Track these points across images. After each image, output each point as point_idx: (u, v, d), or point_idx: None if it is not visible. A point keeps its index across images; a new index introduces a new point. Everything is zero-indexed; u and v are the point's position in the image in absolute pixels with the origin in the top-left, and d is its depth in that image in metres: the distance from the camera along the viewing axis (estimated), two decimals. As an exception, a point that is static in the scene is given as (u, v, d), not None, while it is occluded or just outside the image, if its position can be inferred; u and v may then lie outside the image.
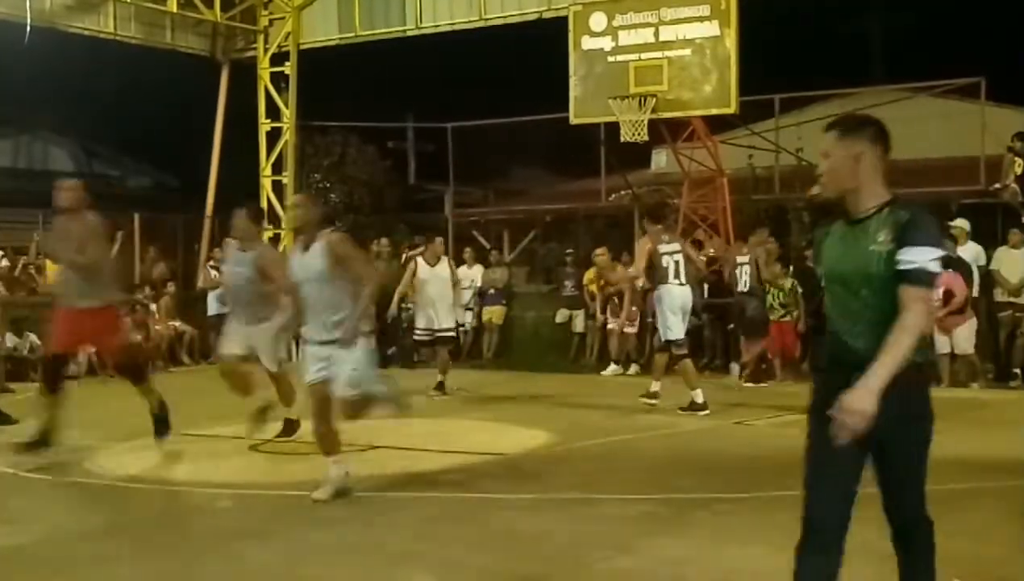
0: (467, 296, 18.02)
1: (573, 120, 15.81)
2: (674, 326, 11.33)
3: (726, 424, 10.60)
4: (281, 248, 19.65)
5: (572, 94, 15.68)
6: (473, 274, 18.09)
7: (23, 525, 6.79)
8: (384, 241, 17.18)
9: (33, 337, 15.39)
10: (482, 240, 20.61)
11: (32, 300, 16.63)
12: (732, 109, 14.98)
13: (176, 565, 5.93)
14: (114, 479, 8.26)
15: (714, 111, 15.16)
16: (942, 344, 13.37)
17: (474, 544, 6.19)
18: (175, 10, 18.20)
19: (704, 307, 15.74)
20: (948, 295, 13.17)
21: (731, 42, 14.68)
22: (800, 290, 14.27)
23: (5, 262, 15.90)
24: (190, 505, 7.42)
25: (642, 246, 11.65)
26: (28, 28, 16.16)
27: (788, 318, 14.46)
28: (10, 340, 14.87)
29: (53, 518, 7.06)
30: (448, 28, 18.40)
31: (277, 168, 20.03)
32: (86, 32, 17.96)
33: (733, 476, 8.07)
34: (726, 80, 14.74)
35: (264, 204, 19.98)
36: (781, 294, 14.52)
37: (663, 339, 11.52)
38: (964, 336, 13.29)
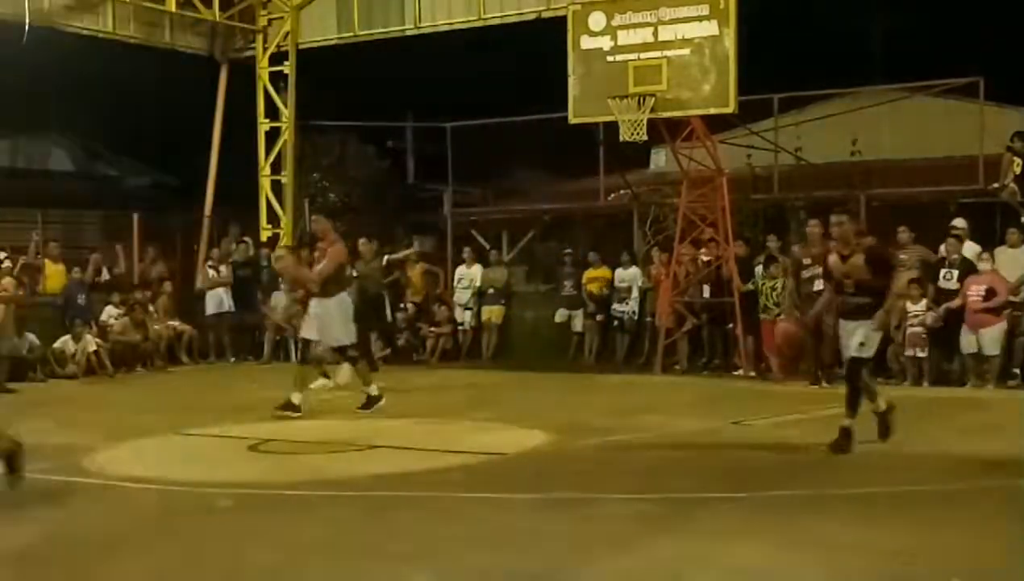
0: (466, 296, 18.04)
1: (572, 120, 15.79)
2: (351, 332, 11.71)
3: (724, 424, 10.60)
4: (281, 243, 19.65)
5: (571, 94, 15.65)
6: (472, 274, 18.10)
7: (23, 526, 6.79)
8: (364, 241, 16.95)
9: (32, 337, 15.39)
10: (481, 240, 20.59)
11: (32, 300, 16.63)
12: (731, 108, 14.95)
13: (176, 565, 5.93)
14: (113, 479, 8.26)
15: (713, 110, 15.12)
16: (968, 344, 13.41)
17: (473, 544, 6.19)
18: (174, 9, 18.19)
19: (703, 307, 15.77)
20: (991, 293, 13.28)
21: (730, 41, 14.66)
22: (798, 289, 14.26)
23: (7, 262, 15.89)
24: (189, 505, 7.41)
25: (340, 251, 11.73)
26: (27, 28, 16.16)
27: (781, 317, 14.47)
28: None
29: (53, 518, 7.05)
30: (447, 28, 18.41)
31: (276, 168, 20.03)
32: (85, 32, 17.95)
33: (731, 476, 8.07)
34: (725, 79, 14.73)
35: (263, 204, 20.00)
36: (775, 293, 14.54)
37: (348, 343, 11.70)
38: (992, 338, 13.32)
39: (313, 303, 11.60)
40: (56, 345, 15.67)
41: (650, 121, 15.08)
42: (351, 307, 11.77)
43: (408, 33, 18.79)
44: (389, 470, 8.37)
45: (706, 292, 15.79)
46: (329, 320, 11.47)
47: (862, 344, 8.82)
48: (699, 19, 14.93)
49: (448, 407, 12.16)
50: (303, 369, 11.62)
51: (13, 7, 16.12)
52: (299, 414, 11.10)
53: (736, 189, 16.59)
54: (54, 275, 17.24)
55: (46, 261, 17.35)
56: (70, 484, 8.16)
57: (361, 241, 16.47)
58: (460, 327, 18.05)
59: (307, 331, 11.64)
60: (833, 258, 9.20)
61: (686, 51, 14.96)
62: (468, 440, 9.86)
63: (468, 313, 17.97)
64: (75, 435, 10.23)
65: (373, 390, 11.55)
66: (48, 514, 7.18)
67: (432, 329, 17.75)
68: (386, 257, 17.18)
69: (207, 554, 6.13)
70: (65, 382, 15.17)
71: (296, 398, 11.17)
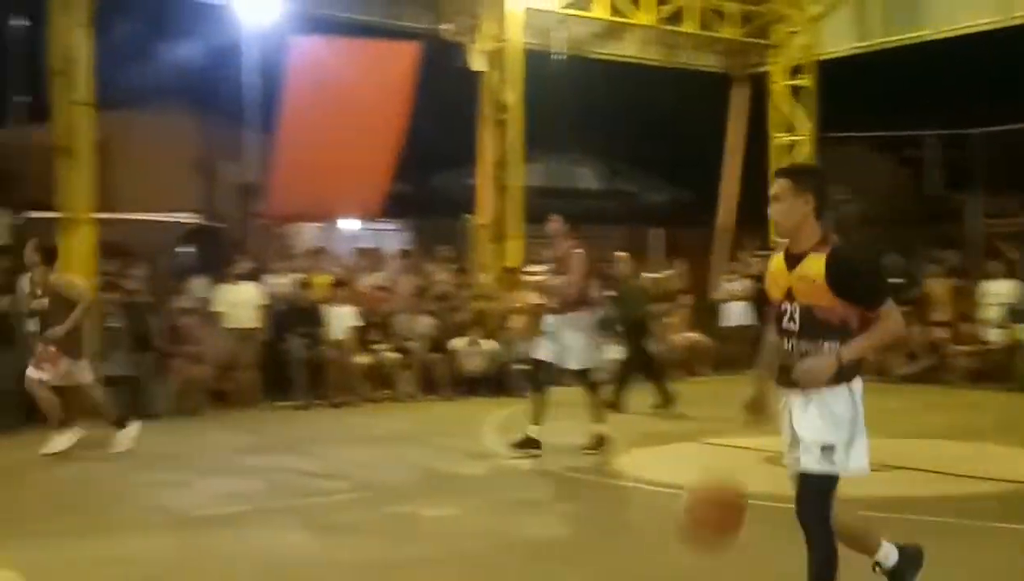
0: (995, 313, 16.85)
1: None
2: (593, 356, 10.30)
3: None
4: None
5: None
6: (1002, 289, 16.88)
7: (546, 517, 7.30)
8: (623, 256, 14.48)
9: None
10: (1013, 253, 19.19)
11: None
12: None
13: (688, 563, 6.06)
14: (635, 481, 8.65)
15: None
16: None
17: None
18: (691, 31, 18.68)
19: None
20: None
21: None
22: None
23: (542, 277, 16.99)
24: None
25: (584, 260, 10.10)
26: (558, 56, 17.39)
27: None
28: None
29: (579, 513, 7.52)
30: (971, 30, 17.37)
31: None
32: (609, 57, 18.96)
33: None
34: None
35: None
36: None
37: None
38: None
39: (551, 319, 9.98)
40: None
41: None
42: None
43: (929, 38, 17.96)
44: (911, 493, 8.04)
45: None
46: (571, 341, 9.87)
47: (825, 449, 4.67)
48: None
49: (975, 430, 11.43)
50: (536, 398, 9.94)
51: (545, 38, 17.39)
52: (538, 451, 9.68)
53: None
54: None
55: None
56: (594, 482, 8.64)
57: (620, 255, 14.23)
58: (988, 346, 16.90)
59: (540, 351, 10.03)
60: (775, 261, 4.80)
61: None
62: (997, 466, 9.20)
63: (997, 331, 16.78)
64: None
65: (533, 431, 9.80)
66: (571, 509, 7.66)
67: (959, 348, 16.79)
68: (643, 274, 15.87)
69: (727, 559, 6.21)
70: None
71: (533, 431, 9.77)
